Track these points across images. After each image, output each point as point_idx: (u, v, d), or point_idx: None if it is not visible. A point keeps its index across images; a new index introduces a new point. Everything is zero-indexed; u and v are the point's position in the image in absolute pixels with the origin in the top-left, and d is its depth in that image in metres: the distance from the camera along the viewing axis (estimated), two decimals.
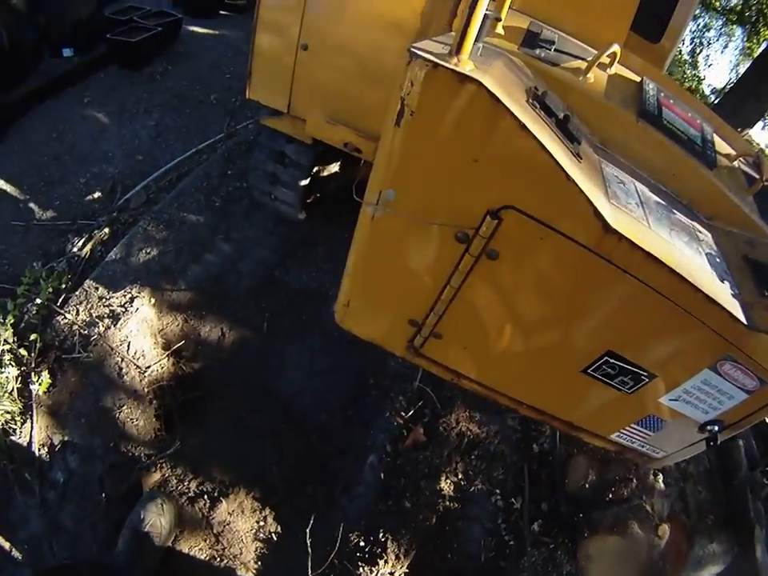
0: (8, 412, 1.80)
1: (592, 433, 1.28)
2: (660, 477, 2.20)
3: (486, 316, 1.03)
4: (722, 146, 1.35)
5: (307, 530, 1.56)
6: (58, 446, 1.77)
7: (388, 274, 1.06)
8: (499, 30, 1.09)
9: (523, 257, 0.88)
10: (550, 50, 1.10)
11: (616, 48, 1.11)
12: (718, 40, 8.69)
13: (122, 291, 2.09)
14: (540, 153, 0.72)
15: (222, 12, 4.11)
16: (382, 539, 1.68)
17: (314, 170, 2.11)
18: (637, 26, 2.36)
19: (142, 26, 3.13)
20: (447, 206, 0.87)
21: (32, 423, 1.80)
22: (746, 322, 0.91)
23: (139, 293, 2.10)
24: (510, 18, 1.20)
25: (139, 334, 2.03)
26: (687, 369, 1.03)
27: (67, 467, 1.74)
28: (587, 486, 2.09)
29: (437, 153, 0.82)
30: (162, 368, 2.02)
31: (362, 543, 1.67)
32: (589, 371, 1.03)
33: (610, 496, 2.06)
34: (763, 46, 6.15)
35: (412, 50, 0.74)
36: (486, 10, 0.76)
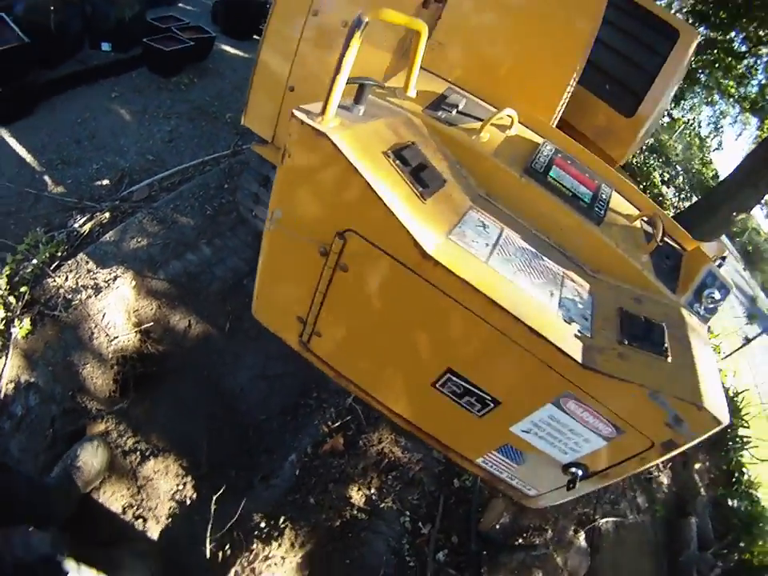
0: None
1: (459, 454, 1.38)
2: (581, 535, 2.29)
3: (348, 320, 1.22)
4: (622, 206, 1.51)
5: (214, 497, 1.79)
6: (23, 385, 2.02)
7: (280, 276, 1.26)
8: (411, 93, 1.32)
9: (364, 271, 1.07)
10: (451, 112, 1.32)
11: (510, 112, 1.32)
12: (733, 126, 8.94)
13: (109, 269, 2.36)
14: (369, 190, 0.92)
15: (255, 36, 4.53)
16: (282, 525, 1.86)
17: None
18: (612, 98, 2.58)
19: (178, 38, 3.54)
20: (311, 226, 1.07)
21: (5, 361, 2.05)
22: (579, 360, 1.02)
23: (123, 274, 2.37)
24: (433, 85, 1.46)
25: (115, 309, 2.29)
26: (529, 400, 1.14)
27: (27, 404, 1.98)
28: (499, 527, 2.20)
29: (302, 184, 1.04)
30: (129, 341, 2.26)
31: (262, 524, 1.85)
32: (437, 386, 1.17)
33: (520, 541, 2.17)
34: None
35: (293, 110, 0.97)
36: (370, 80, 1.02)
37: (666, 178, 8.84)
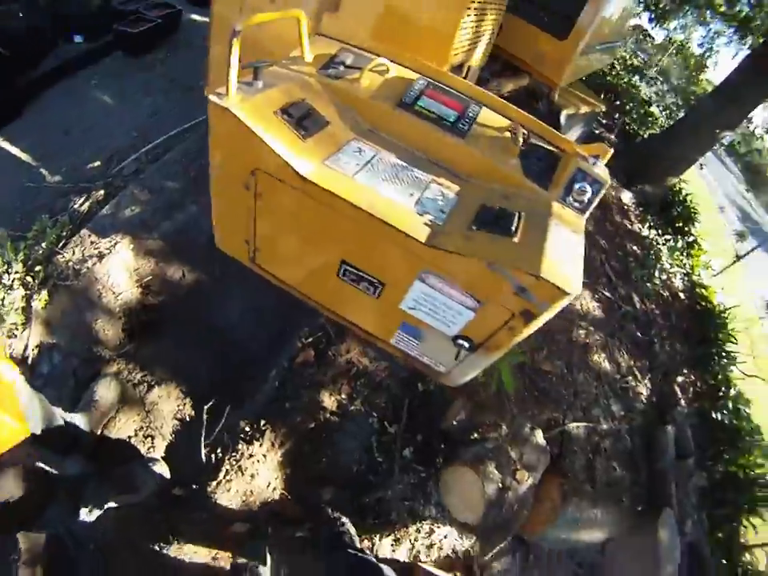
0: (13, 323, 2.78)
1: (377, 338, 2.01)
2: (538, 432, 2.82)
3: (272, 234, 1.89)
4: (493, 120, 1.97)
5: (205, 407, 2.55)
6: (47, 347, 2.75)
7: (226, 211, 1.97)
8: (308, 59, 1.99)
9: (272, 196, 1.72)
10: (339, 68, 1.95)
11: (382, 60, 1.94)
12: (728, 46, 10.09)
13: (109, 238, 3.09)
14: (261, 141, 1.57)
15: None
16: (263, 428, 2.58)
17: None
18: (543, 23, 3.16)
19: (146, 18, 4.28)
20: (234, 170, 1.74)
21: (29, 331, 2.77)
22: (422, 240, 1.50)
23: (121, 239, 3.10)
24: (330, 48, 2.08)
25: (118, 270, 3.03)
26: (401, 278, 1.66)
27: (51, 362, 2.71)
28: (457, 423, 2.78)
29: (223, 142, 1.71)
30: (132, 296, 3.02)
31: (246, 428, 2.57)
32: (340, 276, 1.83)
33: (476, 435, 2.75)
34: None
35: (208, 95, 1.59)
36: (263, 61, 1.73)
37: (652, 98, 9.64)
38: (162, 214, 3.33)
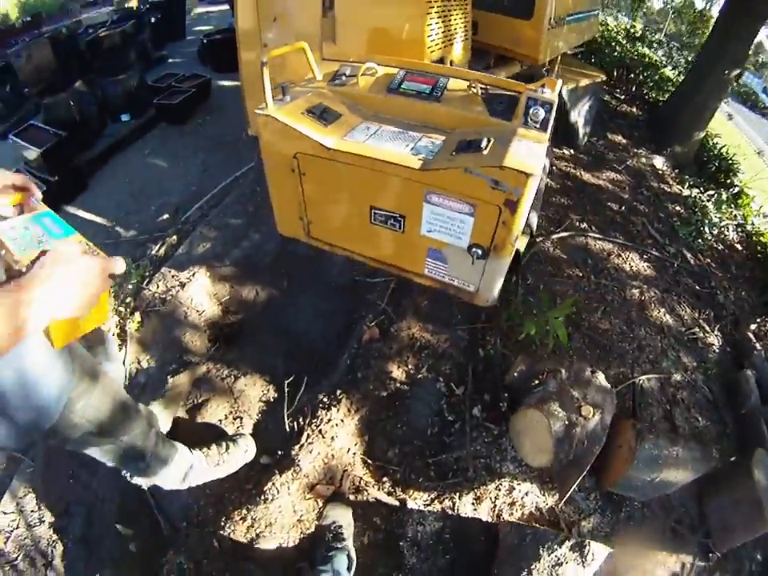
0: None
1: (412, 272, 2.77)
2: (599, 375, 3.39)
3: (319, 204, 2.91)
4: (459, 85, 2.80)
5: (286, 382, 3.52)
6: (143, 361, 3.70)
7: (281, 197, 3.01)
8: (319, 77, 3.13)
9: (312, 170, 2.61)
10: (342, 78, 3.03)
11: (370, 65, 3.03)
12: None
13: (187, 270, 4.25)
14: (296, 131, 2.62)
15: None
16: (339, 396, 3.37)
17: None
18: (509, 9, 4.69)
19: (180, 90, 5.91)
20: (282, 159, 2.76)
21: (126, 349, 3.76)
22: (417, 168, 2.31)
23: (198, 270, 4.25)
24: (333, 67, 3.22)
25: (199, 294, 4.14)
26: (414, 206, 2.44)
27: (147, 373, 3.65)
28: (517, 375, 3.28)
29: (269, 141, 2.73)
30: (214, 312, 4.13)
31: (325, 399, 3.37)
32: (372, 222, 2.84)
33: (537, 382, 3.22)
34: None
35: (255, 110, 2.69)
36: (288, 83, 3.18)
37: (661, 61, 11.39)
38: (230, 244, 4.61)
